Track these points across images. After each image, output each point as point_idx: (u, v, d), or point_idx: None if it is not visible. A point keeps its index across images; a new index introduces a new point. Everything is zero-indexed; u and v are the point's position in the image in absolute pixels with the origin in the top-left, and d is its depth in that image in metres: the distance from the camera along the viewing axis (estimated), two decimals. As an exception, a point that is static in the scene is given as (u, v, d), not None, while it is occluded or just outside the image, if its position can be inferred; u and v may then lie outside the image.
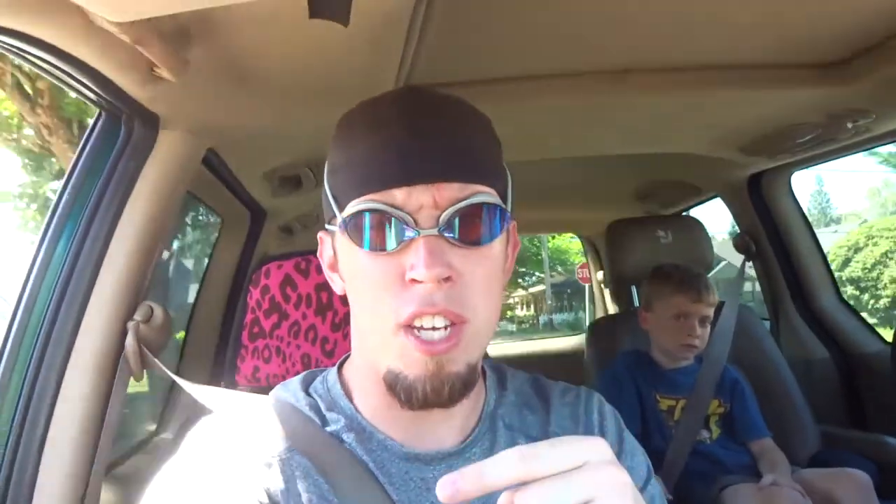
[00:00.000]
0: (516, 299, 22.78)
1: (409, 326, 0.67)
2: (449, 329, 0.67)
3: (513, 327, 20.43)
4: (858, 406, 2.39)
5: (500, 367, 0.89)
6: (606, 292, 4.00)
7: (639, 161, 2.48)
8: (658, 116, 1.75)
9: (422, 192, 0.66)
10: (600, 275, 3.80)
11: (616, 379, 2.11)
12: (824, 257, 2.56)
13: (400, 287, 0.67)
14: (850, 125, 1.68)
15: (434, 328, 0.66)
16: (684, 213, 3.10)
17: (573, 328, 18.15)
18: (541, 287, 22.06)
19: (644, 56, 1.38)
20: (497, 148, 0.76)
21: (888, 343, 2.38)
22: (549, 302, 21.82)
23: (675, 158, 2.30)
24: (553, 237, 20.17)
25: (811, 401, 2.27)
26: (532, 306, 23.00)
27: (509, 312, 21.58)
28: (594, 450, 0.46)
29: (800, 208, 2.56)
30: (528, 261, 21.06)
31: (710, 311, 2.05)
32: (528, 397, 0.86)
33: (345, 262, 0.74)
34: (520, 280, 21.54)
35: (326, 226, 0.77)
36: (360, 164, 0.69)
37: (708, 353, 2.07)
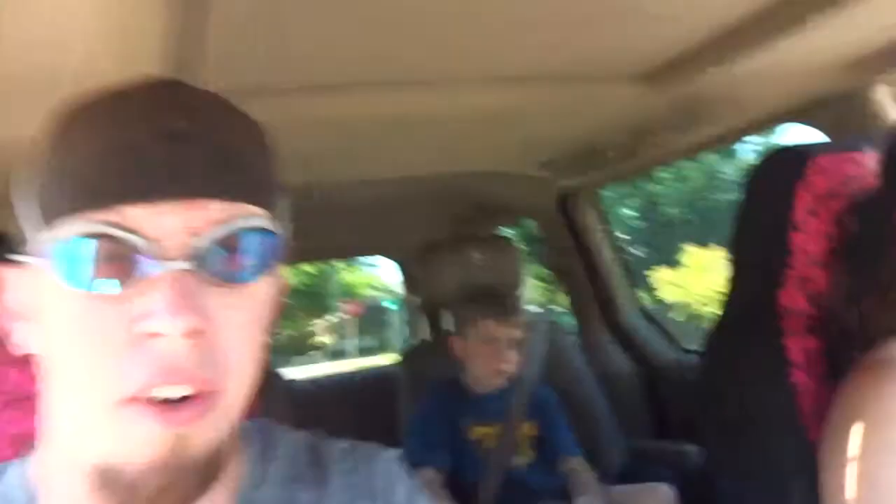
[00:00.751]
0: (321, 325, 23.67)
1: (139, 398, 0.48)
2: (195, 399, 0.49)
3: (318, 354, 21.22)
4: (662, 417, 2.47)
5: (269, 430, 0.68)
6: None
7: (448, 180, 2.42)
8: (456, 132, 1.69)
9: (169, 213, 0.49)
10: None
11: (426, 417, 2.03)
12: (628, 271, 2.63)
13: (128, 345, 0.48)
14: (654, 139, 1.68)
15: (176, 398, 0.49)
16: (500, 232, 3.09)
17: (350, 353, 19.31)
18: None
19: (439, 66, 1.28)
20: (272, 160, 0.57)
21: (688, 351, 2.49)
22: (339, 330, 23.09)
23: (484, 177, 2.26)
24: (340, 270, 21.24)
25: (620, 415, 2.31)
26: (333, 333, 23.94)
27: (311, 340, 22.65)
28: None
29: (607, 225, 2.62)
30: (319, 294, 21.65)
31: (519, 333, 2.01)
32: (301, 468, 0.65)
33: (46, 306, 0.52)
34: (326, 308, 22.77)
35: (12, 255, 0.54)
36: (81, 171, 0.49)
37: (519, 374, 2.04)
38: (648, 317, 2.60)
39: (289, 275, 0.68)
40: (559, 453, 2.03)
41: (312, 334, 22.87)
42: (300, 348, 20.74)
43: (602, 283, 2.57)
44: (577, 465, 2.01)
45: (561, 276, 2.58)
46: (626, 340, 2.54)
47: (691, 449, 2.11)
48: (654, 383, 2.48)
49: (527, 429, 2.02)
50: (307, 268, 18.20)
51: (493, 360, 1.96)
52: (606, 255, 2.57)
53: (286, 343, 20.13)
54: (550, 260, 2.61)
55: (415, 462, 1.80)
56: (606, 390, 2.33)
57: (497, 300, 2.02)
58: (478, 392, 2.04)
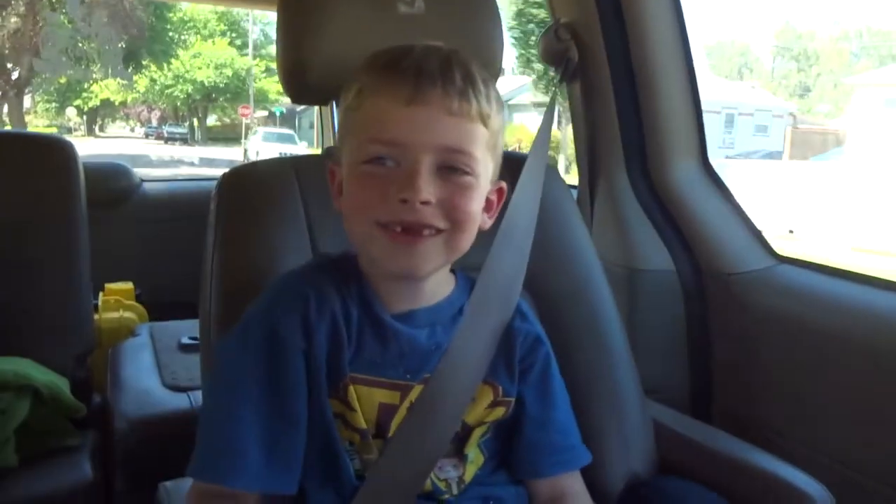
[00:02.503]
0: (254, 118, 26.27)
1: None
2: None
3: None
4: (703, 359, 1.36)
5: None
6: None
7: None
8: None
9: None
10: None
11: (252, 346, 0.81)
12: (696, 97, 1.39)
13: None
14: None
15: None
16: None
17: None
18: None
19: None
20: None
21: (783, 260, 1.34)
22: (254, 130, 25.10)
23: None
24: (257, 79, 24.92)
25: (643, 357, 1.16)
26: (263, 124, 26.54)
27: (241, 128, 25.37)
28: None
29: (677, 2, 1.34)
30: (240, 96, 24.89)
31: (468, 143, 0.79)
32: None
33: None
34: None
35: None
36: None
37: (492, 257, 0.89)
38: (717, 180, 1.39)
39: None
40: (547, 461, 0.90)
41: (246, 126, 25.57)
42: (233, 132, 25.28)
43: (643, 103, 1.35)
44: (569, 490, 0.90)
45: (567, 75, 1.32)
46: (670, 221, 1.36)
47: (750, 456, 1.03)
48: (713, 306, 1.34)
49: (486, 399, 0.87)
50: (226, 71, 23.70)
51: (390, 195, 0.77)
52: (660, 52, 1.33)
53: (223, 127, 27.18)
54: (550, 43, 1.33)
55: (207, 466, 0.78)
56: (630, 317, 1.17)
57: (418, 59, 0.77)
58: (388, 305, 0.85)
